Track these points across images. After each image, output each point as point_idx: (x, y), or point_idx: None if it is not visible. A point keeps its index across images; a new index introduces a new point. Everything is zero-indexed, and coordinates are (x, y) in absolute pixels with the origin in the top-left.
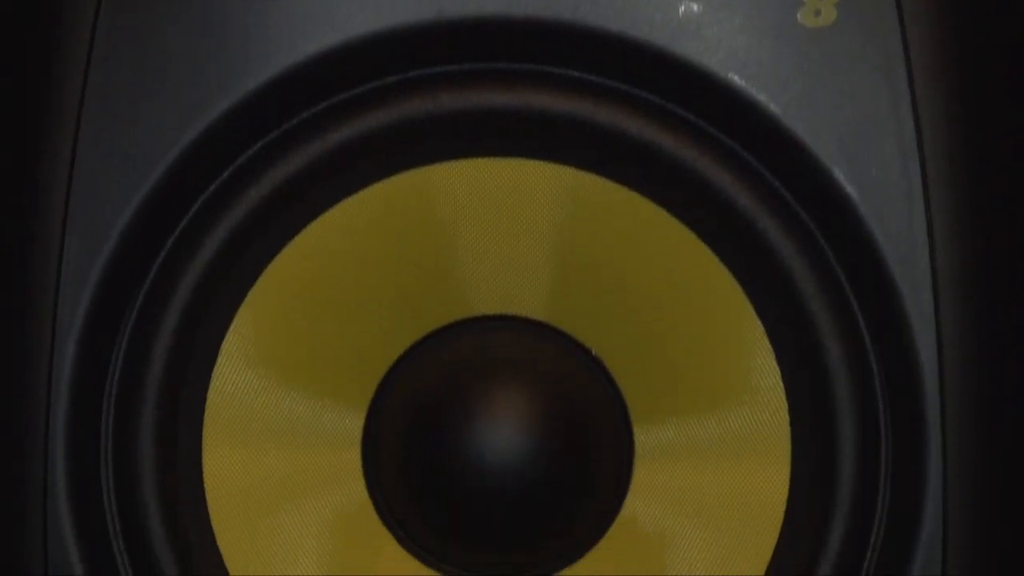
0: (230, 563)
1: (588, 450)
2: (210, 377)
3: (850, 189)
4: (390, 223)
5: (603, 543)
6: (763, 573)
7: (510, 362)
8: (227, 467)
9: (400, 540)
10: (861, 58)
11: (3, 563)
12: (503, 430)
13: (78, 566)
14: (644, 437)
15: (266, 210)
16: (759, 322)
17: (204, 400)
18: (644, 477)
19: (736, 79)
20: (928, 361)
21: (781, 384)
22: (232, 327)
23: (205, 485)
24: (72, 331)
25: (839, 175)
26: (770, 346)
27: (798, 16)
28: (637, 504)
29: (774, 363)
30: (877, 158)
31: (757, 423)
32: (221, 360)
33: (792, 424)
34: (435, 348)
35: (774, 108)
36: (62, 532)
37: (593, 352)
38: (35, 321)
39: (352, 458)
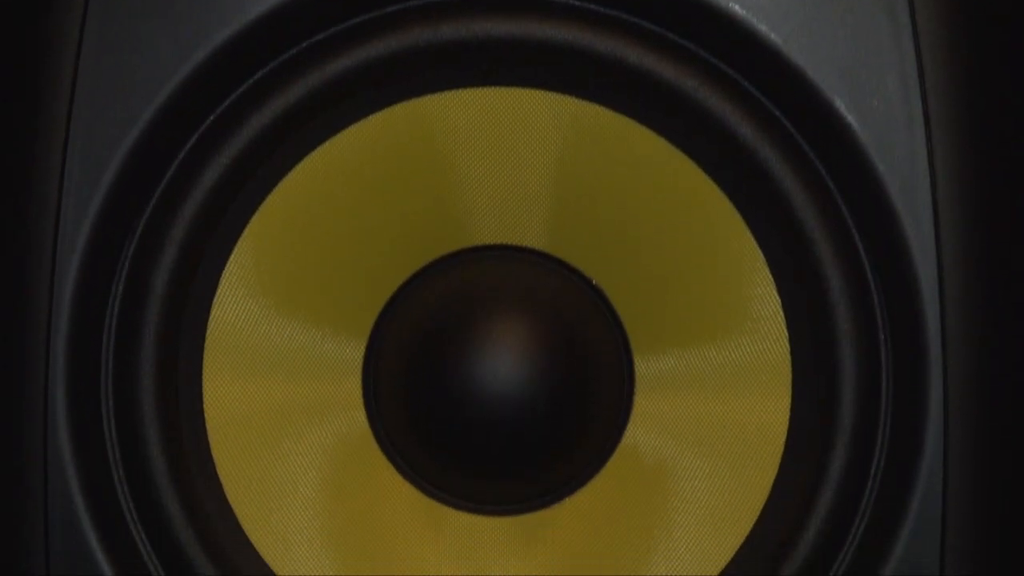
0: (230, 491)
1: (588, 379)
2: (210, 307)
3: (851, 119)
4: (390, 153)
5: (604, 472)
6: (764, 502)
7: (511, 291)
8: (227, 396)
9: (400, 469)
10: None
11: (3, 492)
12: (503, 359)
13: (78, 495)
14: (644, 367)
15: (267, 138)
16: (760, 252)
17: (204, 329)
18: (645, 407)
19: (737, 9)
20: (928, 289)
21: (781, 313)
22: (232, 257)
23: (205, 414)
24: (73, 259)
25: (840, 105)
26: (770, 276)
27: None
28: (638, 433)
29: (774, 292)
30: (878, 88)
31: (758, 352)
32: (221, 290)
33: (792, 353)
34: (436, 278)
35: (775, 38)
36: (62, 460)
37: (594, 282)
38: (36, 249)
39: (352, 387)
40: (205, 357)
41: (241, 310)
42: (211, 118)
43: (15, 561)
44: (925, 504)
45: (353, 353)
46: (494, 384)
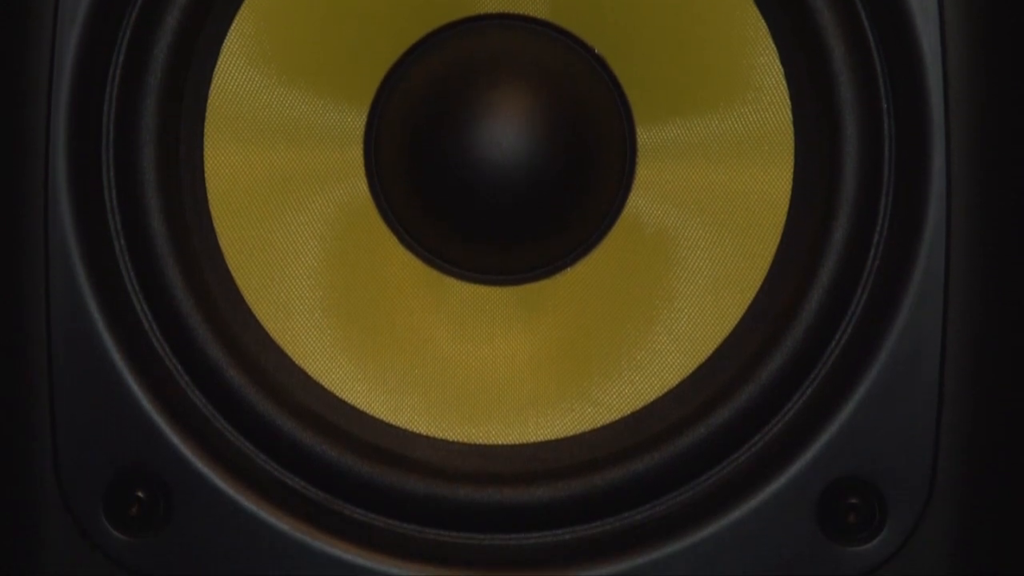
0: (231, 261)
1: (589, 146)
2: (212, 76)
3: None
4: None
5: (605, 243)
6: (766, 272)
7: (513, 59)
8: (229, 165)
9: (401, 239)
10: None
11: (4, 262)
12: (505, 125)
13: (79, 266)
14: (647, 136)
15: None
16: (763, 21)
17: (206, 99)
18: (647, 176)
19: None
20: (931, 57)
21: (784, 83)
22: (234, 25)
23: (207, 184)
24: (74, 27)
25: None
26: (773, 45)
27: None
28: (640, 202)
29: (777, 62)
30: None
31: (760, 122)
32: (223, 59)
33: (795, 123)
34: (438, 46)
35: None
36: (63, 230)
37: (596, 51)
38: (36, 16)
39: (354, 156)
40: (206, 126)
41: (242, 79)
42: None
43: (16, 331)
44: (927, 274)
45: (355, 122)
46: (496, 151)
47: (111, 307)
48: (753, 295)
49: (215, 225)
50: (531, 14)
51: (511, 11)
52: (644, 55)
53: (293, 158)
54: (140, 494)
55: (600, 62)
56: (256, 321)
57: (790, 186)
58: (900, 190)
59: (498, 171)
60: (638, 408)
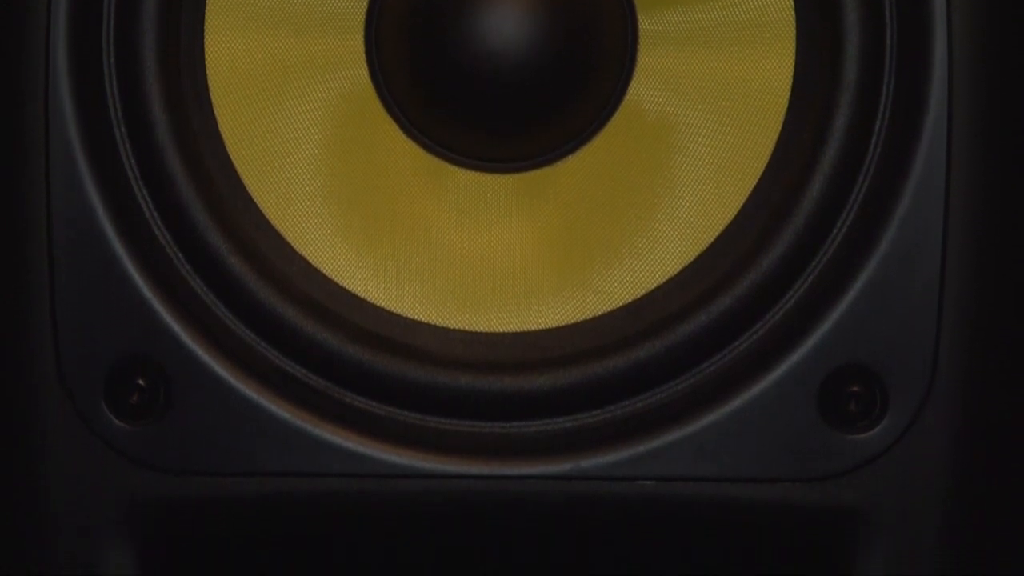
0: (232, 149)
1: (591, 32)
2: None
3: None
4: None
5: (607, 130)
6: (768, 160)
7: None
8: (230, 52)
9: (402, 127)
10: None
11: (3, 149)
12: (506, 11)
13: (80, 154)
14: (648, 23)
15: None
16: None
17: None
18: (648, 63)
19: None
20: None
21: None
22: None
23: (207, 72)
24: None
25: None
26: None
27: None
28: (641, 90)
29: None
30: None
31: (762, 9)
32: None
33: (797, 10)
34: None
35: None
36: (63, 118)
37: None
38: None
39: (355, 44)
40: (207, 14)
41: None
42: None
43: (17, 221)
44: (929, 163)
45: (355, 9)
46: (497, 37)
47: (112, 195)
48: (755, 183)
49: (216, 113)
50: None
51: None
52: None
53: (294, 46)
54: (140, 382)
55: None
56: (257, 209)
57: (792, 73)
58: (902, 78)
59: (499, 58)
60: (639, 296)
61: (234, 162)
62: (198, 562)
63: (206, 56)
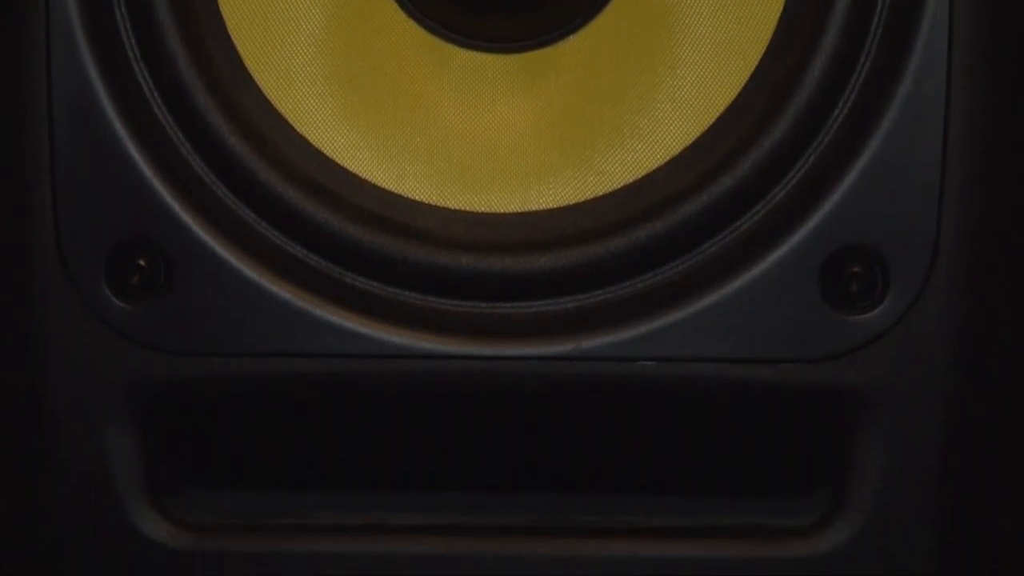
0: (233, 29)
1: None
2: None
3: None
4: None
5: (608, 10)
6: (769, 39)
7: None
8: None
9: (403, 6)
10: None
11: (3, 29)
12: None
13: (80, 34)
14: None
15: None
16: None
17: None
18: None
19: None
20: None
21: None
22: None
23: None
24: None
25: None
26: None
27: None
28: None
29: None
30: None
31: None
32: None
33: None
34: None
35: None
36: None
37: None
38: None
39: None
40: None
41: None
42: None
43: (17, 102)
44: (931, 42)
45: None
46: None
47: (112, 76)
48: (756, 62)
49: None
50: None
51: None
52: None
53: None
54: (141, 263)
55: None
56: (258, 89)
57: None
58: None
59: None
60: (640, 176)
61: (235, 42)
62: (198, 443)
63: None
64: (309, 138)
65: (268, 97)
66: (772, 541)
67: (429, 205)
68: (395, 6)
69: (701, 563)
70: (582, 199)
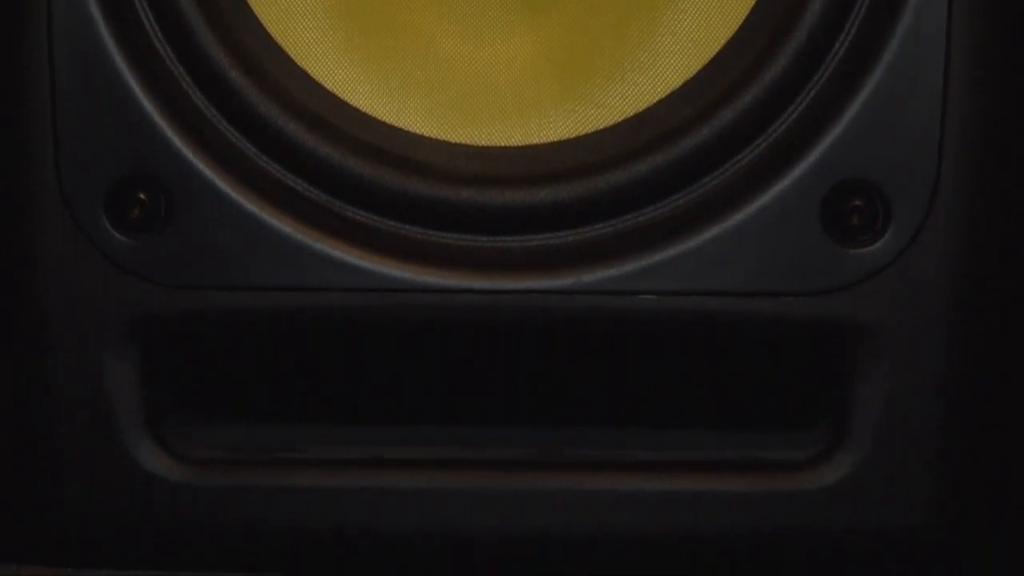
0: None
1: None
2: None
3: None
4: None
5: None
6: None
7: None
8: None
9: None
10: None
11: None
12: None
13: None
14: None
15: None
16: None
17: None
18: None
19: None
20: None
21: None
22: None
23: None
24: None
25: None
26: None
27: None
28: None
29: None
30: None
31: None
32: None
33: None
34: None
35: None
36: None
37: None
38: None
39: None
40: None
41: None
42: None
43: (18, 37)
44: None
45: None
46: None
47: (113, 10)
48: None
49: None
50: None
51: None
52: None
53: None
54: (141, 196)
55: None
56: (258, 23)
57: None
58: None
59: None
60: (641, 110)
61: None
62: (199, 377)
63: None
64: (310, 71)
65: (269, 31)
66: (771, 474)
67: (430, 138)
68: None
69: (701, 496)
70: (583, 132)
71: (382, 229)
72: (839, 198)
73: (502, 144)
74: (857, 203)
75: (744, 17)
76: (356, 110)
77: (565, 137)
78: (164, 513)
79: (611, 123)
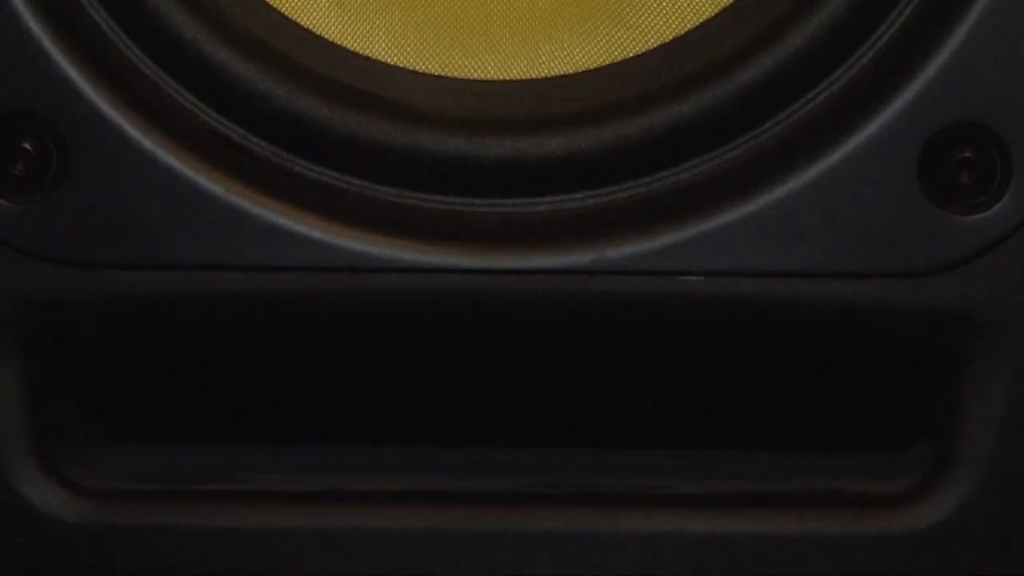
0: None
1: None
2: None
3: None
4: None
5: None
6: None
7: None
8: None
9: None
10: None
11: None
12: None
13: None
14: None
15: None
16: None
17: None
18: None
19: None
20: None
21: None
22: None
23: None
24: None
25: None
26: None
27: None
28: None
29: None
30: None
31: None
32: None
33: None
34: None
35: None
36: None
37: None
38: None
39: None
40: None
41: None
42: None
43: None
44: None
45: None
46: None
47: None
48: None
49: None
50: None
51: None
52: None
53: None
54: (26, 145)
55: None
56: None
57: None
58: None
59: None
60: (684, 31)
61: None
62: (101, 386)
63: None
64: None
65: None
66: (854, 513)
67: (404, 70)
68: None
69: (758, 541)
70: (607, 62)
71: (344, 190)
72: (943, 148)
73: (500, 77)
74: (967, 154)
75: None
76: (308, 33)
77: (584, 68)
78: (57, 560)
79: (645, 49)
